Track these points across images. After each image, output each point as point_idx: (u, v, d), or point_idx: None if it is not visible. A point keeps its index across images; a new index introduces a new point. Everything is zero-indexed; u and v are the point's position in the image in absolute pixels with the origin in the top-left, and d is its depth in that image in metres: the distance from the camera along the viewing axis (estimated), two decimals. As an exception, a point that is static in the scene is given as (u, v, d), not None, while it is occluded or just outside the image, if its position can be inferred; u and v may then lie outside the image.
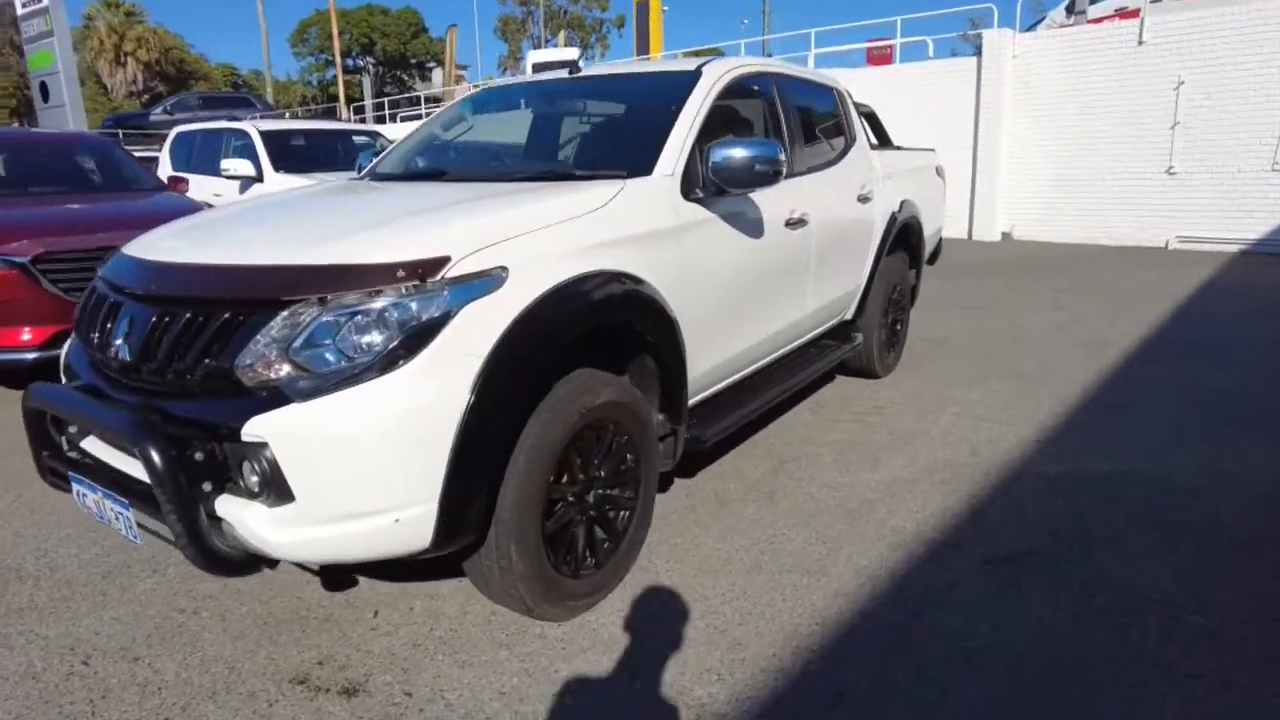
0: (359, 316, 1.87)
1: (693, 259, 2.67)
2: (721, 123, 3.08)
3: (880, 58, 15.33)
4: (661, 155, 2.68)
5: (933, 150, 5.50)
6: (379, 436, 1.82)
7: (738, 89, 3.22)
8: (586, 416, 2.24)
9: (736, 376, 3.24)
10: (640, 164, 2.67)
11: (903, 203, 4.60)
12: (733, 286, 2.95)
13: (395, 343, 1.85)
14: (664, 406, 2.68)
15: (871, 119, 4.90)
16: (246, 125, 7.92)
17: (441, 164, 3.24)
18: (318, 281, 1.91)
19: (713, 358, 2.92)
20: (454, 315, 1.90)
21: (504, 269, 2.00)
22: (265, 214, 2.56)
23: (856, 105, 4.50)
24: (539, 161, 3.30)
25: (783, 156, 2.70)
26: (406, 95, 31.79)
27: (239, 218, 2.55)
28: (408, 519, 1.87)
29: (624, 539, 2.53)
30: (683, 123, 2.79)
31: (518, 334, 1.98)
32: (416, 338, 1.86)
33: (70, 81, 18.41)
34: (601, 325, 2.33)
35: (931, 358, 5.30)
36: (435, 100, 24.63)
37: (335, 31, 24.27)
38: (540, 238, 2.13)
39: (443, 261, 1.93)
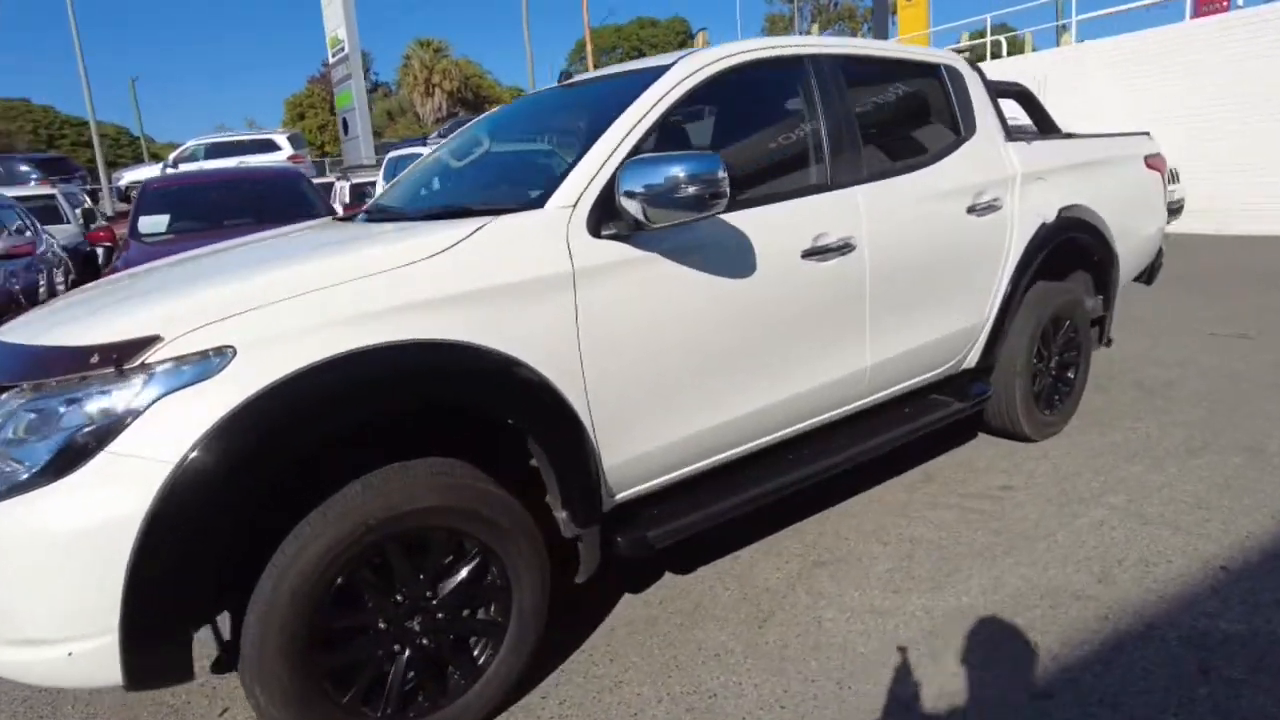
0: (45, 409, 1.57)
1: (604, 313, 2.04)
2: (704, 128, 2.39)
3: (1212, 10, 12.35)
4: (565, 181, 2.07)
5: (1144, 134, 4.05)
6: (36, 554, 1.52)
7: (735, 83, 2.46)
8: (379, 529, 1.74)
9: (733, 453, 2.50)
10: (537, 193, 2.09)
11: (1063, 209, 3.41)
12: (690, 344, 2.24)
13: (70, 442, 1.52)
14: (565, 502, 2.09)
15: (1024, 99, 3.71)
16: (428, 148, 8.34)
17: (395, 200, 2.88)
18: (28, 366, 1.66)
19: (662, 436, 2.25)
20: (145, 410, 1.53)
21: (227, 349, 1.59)
22: (139, 275, 2.40)
23: (995, 85, 3.41)
24: (460, 193, 2.80)
25: (723, 174, 1.96)
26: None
27: (119, 280, 2.41)
28: (82, 653, 1.55)
29: (484, 674, 1.99)
30: (608, 139, 2.14)
31: (237, 430, 1.55)
32: (95, 437, 1.52)
33: (364, 116, 21.41)
34: (420, 409, 1.83)
35: (1131, 413, 3.92)
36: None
37: (589, 48, 25.53)
38: (300, 305, 1.67)
39: (146, 343, 1.57)
